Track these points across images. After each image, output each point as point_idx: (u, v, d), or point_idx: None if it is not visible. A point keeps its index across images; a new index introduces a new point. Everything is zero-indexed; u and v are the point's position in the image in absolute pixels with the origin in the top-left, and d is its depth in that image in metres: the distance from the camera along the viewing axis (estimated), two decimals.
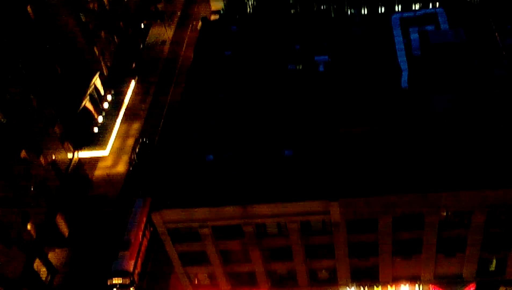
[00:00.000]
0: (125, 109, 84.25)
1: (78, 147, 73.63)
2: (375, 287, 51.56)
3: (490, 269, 49.33)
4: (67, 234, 68.32)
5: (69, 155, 70.91)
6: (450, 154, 45.33)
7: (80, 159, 73.40)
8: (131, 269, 60.43)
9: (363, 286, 51.61)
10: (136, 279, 61.06)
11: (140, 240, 63.43)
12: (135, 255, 61.71)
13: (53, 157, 66.73)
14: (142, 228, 64.32)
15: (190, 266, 50.99)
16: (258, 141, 50.24)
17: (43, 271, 63.15)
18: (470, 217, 44.85)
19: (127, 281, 59.94)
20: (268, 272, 50.89)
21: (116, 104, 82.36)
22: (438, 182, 43.57)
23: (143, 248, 64.04)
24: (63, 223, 67.92)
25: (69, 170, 70.27)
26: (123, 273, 59.98)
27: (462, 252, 47.41)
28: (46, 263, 63.76)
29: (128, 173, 76.08)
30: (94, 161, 78.07)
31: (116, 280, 59.96)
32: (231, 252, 49.48)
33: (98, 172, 77.06)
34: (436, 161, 45.05)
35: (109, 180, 74.45)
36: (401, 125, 47.38)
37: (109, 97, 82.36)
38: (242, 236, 47.63)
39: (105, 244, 66.76)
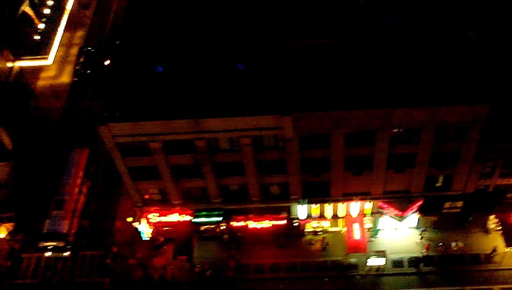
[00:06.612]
0: (68, 16, 79.76)
1: (18, 55, 69.80)
2: (326, 203, 52.41)
3: (436, 185, 50.79)
4: (10, 147, 65.89)
5: (9, 64, 67.16)
6: (402, 70, 45.10)
7: (21, 69, 69.73)
8: (66, 230, 56.22)
9: (314, 203, 52.37)
10: (72, 239, 57.21)
11: (77, 196, 58.92)
12: (70, 214, 57.36)
13: None
14: (79, 183, 59.63)
15: (141, 181, 50.29)
16: (210, 53, 48.81)
17: None
18: (420, 134, 45.37)
19: (61, 244, 55.92)
20: (220, 188, 50.85)
21: (57, 10, 77.80)
22: (390, 98, 43.51)
23: (79, 205, 59.61)
24: (6, 136, 65.23)
25: (10, 80, 66.75)
26: (57, 236, 55.79)
27: (411, 168, 48.33)
28: None
29: (73, 84, 73.01)
30: (37, 71, 74.46)
31: (49, 243, 55.92)
32: (182, 167, 48.89)
33: (41, 83, 73.62)
34: (389, 77, 44.82)
35: (53, 91, 71.31)
36: (355, 39, 46.45)
37: (50, 2, 77.48)
38: (194, 151, 46.97)
39: (49, 160, 64.89)
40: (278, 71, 46.57)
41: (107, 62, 70.98)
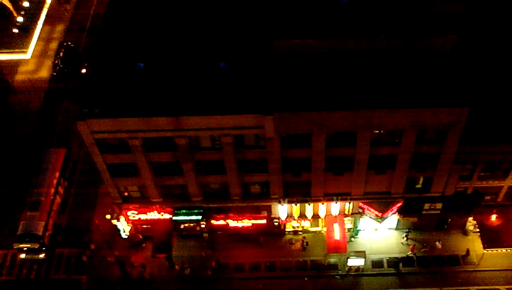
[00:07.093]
0: (48, 9, 78.56)
1: None
2: (307, 203, 52.33)
3: (416, 187, 50.99)
4: None
5: None
6: (385, 72, 45.17)
7: None
8: (41, 232, 54.72)
9: (295, 202, 52.27)
10: (46, 241, 55.90)
11: (52, 197, 57.28)
12: (46, 216, 55.80)
13: None
14: (55, 184, 58.10)
15: (120, 178, 49.70)
16: (192, 51, 48.42)
17: None
18: (401, 136, 45.48)
19: (36, 246, 54.63)
20: (201, 186, 50.49)
21: (37, 3, 76.58)
22: (372, 100, 43.55)
23: (55, 207, 58.00)
24: None
25: None
26: (31, 237, 54.34)
27: (392, 170, 48.45)
28: None
29: (52, 79, 71.90)
30: (14, 65, 73.17)
31: (24, 245, 54.53)
32: (162, 165, 48.39)
33: (19, 77, 72.40)
34: (371, 79, 44.85)
35: (31, 85, 70.15)
36: (338, 39, 46.35)
37: None
38: (174, 149, 46.50)
39: (25, 159, 63.59)
40: (260, 70, 46.32)
41: (83, 71, 70.35)
